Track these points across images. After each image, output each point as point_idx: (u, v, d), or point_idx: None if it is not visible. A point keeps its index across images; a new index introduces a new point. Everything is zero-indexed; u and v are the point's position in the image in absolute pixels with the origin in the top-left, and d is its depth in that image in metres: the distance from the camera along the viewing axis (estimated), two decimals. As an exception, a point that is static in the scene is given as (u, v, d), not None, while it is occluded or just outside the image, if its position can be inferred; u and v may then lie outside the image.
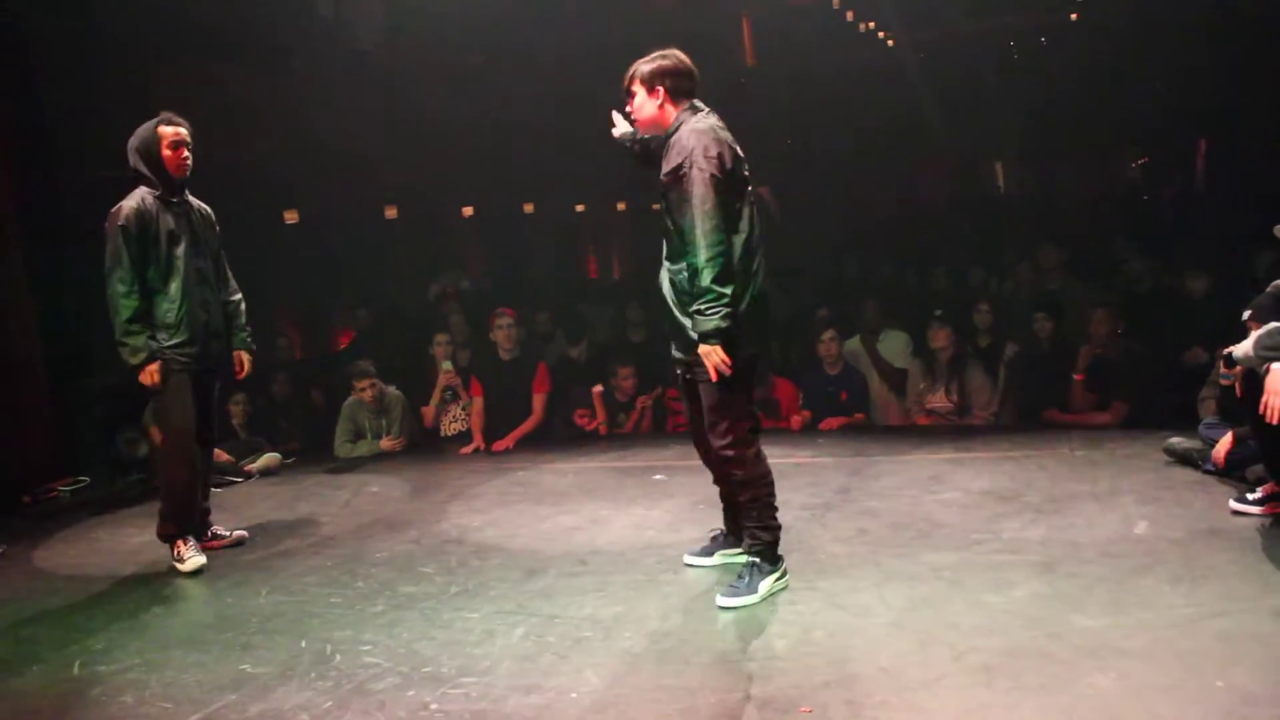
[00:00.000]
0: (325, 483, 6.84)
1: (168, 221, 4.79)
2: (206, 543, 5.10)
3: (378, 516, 5.75)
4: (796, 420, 7.28)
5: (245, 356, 5.26)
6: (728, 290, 3.65)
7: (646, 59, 3.91)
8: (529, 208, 13.11)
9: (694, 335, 3.75)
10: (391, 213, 11.32)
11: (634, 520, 5.20)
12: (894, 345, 7.71)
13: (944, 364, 7.22)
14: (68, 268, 6.86)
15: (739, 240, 3.74)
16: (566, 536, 5.00)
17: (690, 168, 3.67)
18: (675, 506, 5.37)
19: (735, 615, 3.74)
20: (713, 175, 3.66)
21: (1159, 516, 4.53)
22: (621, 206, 15.05)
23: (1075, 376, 6.76)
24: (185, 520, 4.94)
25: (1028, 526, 4.54)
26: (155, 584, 4.74)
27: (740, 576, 3.88)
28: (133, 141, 4.80)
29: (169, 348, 4.80)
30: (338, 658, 3.65)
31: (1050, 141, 13.97)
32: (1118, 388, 6.63)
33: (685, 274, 3.75)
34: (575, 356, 8.61)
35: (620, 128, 4.24)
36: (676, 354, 3.95)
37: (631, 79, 3.92)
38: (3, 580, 5.05)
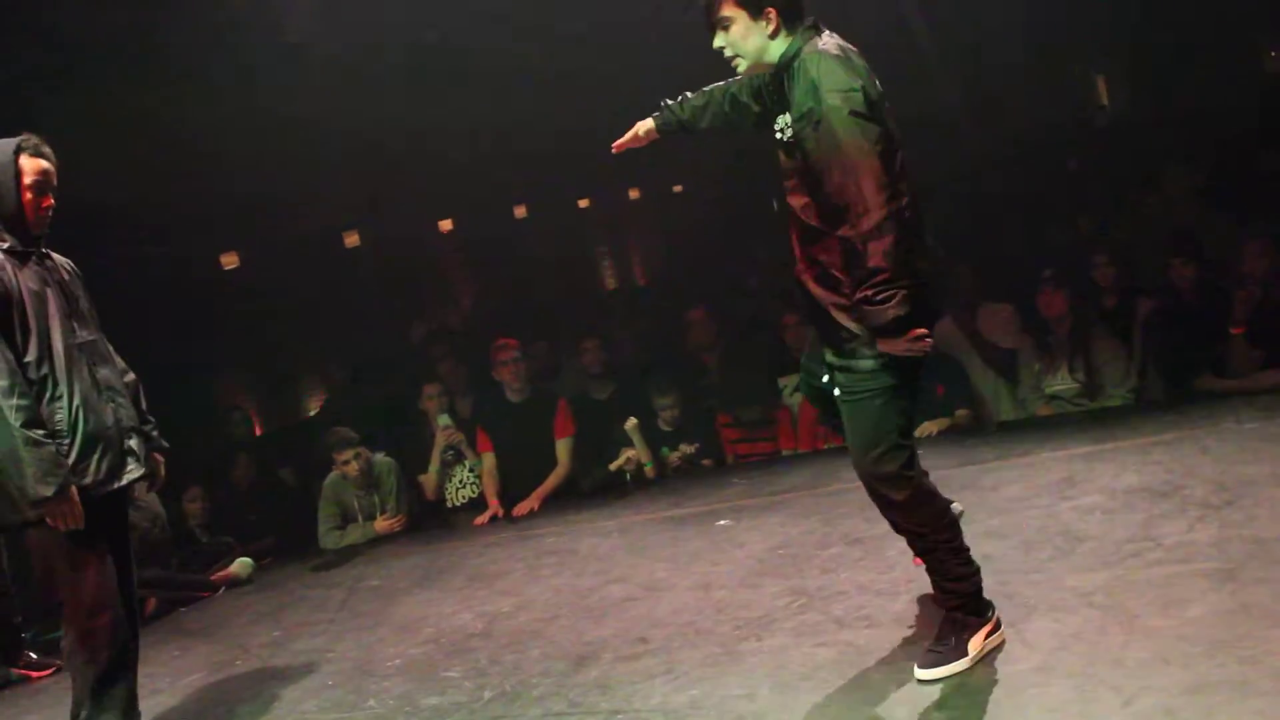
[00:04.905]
0: (313, 582, 6.90)
1: (29, 281, 4.16)
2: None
3: (382, 616, 5.79)
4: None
5: (158, 459, 4.61)
6: (904, 267, 3.39)
7: None
8: (520, 211, 13.19)
9: (856, 332, 3.55)
10: (352, 239, 11.45)
11: (699, 580, 5.19)
12: (995, 321, 7.67)
13: (1062, 336, 7.18)
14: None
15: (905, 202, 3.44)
16: (619, 610, 5.01)
17: (828, 109, 3.39)
18: (747, 557, 5.35)
19: (845, 681, 3.73)
20: (857, 113, 3.38)
21: (1364, 494, 4.48)
22: (635, 194, 15.11)
23: (1233, 330, 6.69)
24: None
25: (1195, 526, 4.50)
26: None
27: (941, 638, 3.72)
28: None
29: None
30: (354, 798, 3.68)
31: (1163, 39, 13.86)
32: (1288, 338, 6.57)
33: (836, 254, 3.52)
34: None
35: (639, 128, 4.12)
36: (830, 359, 3.71)
37: (723, 3, 3.53)
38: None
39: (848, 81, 3.41)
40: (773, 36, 3.53)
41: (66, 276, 4.39)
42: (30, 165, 4.18)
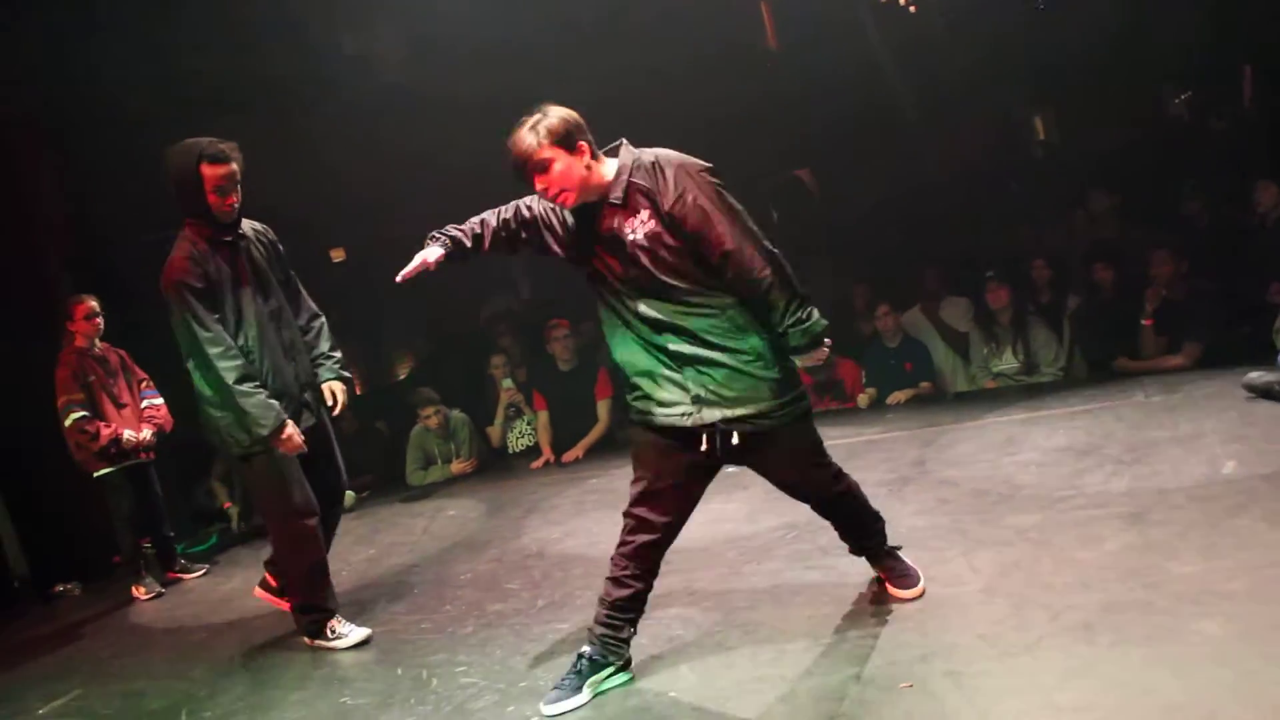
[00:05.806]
0: (402, 512, 6.94)
1: (224, 265, 4.13)
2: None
3: (457, 539, 5.83)
4: (863, 398, 7.24)
5: (336, 388, 4.55)
6: (802, 290, 3.18)
7: (537, 122, 3.13)
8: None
9: (776, 375, 3.23)
10: (436, 239, 11.41)
11: (711, 515, 5.14)
12: (954, 311, 7.64)
13: (1006, 325, 7.13)
14: (129, 335, 6.90)
15: None
16: (646, 539, 5.00)
17: (696, 191, 3.09)
18: (750, 497, 5.33)
19: (828, 597, 3.74)
20: (720, 186, 3.14)
21: (1247, 454, 4.43)
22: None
23: (1144, 322, 6.64)
24: (325, 600, 4.36)
25: (1111, 479, 4.47)
26: (248, 629, 4.85)
27: (897, 568, 3.63)
28: (171, 171, 4.07)
29: None
30: (434, 681, 3.70)
31: (1087, 87, 13.74)
32: (1188, 329, 6.50)
33: (720, 319, 3.18)
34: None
35: (428, 255, 3.44)
36: (735, 411, 3.22)
37: (539, 148, 3.10)
38: (105, 639, 5.22)
39: (701, 164, 3.17)
40: (592, 165, 3.15)
41: (258, 250, 4.31)
42: (211, 172, 4.02)
